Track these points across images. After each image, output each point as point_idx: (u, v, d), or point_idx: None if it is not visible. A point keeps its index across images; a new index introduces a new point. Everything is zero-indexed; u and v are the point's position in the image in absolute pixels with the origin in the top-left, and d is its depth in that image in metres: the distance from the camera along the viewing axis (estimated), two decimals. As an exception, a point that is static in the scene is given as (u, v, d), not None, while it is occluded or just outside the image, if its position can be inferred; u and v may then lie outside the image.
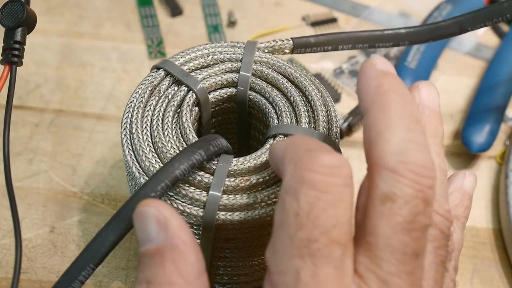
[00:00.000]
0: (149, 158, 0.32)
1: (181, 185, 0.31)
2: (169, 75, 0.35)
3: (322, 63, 0.49)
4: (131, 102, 0.34)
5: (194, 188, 0.31)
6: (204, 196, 0.31)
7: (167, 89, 0.35)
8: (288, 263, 0.24)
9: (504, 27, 0.52)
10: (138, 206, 0.27)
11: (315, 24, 0.52)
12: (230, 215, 0.31)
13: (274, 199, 0.32)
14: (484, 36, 0.52)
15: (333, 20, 0.52)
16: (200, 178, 0.31)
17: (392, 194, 0.25)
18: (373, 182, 0.26)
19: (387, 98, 0.27)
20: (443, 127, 0.30)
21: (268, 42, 0.37)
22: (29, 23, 0.33)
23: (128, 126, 0.34)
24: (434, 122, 0.30)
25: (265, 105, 0.35)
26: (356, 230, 0.26)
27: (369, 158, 0.26)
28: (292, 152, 0.26)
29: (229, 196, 0.31)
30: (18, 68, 0.33)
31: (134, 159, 0.33)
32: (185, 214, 0.31)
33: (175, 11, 0.51)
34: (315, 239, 0.24)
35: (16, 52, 0.32)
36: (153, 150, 0.33)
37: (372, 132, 0.26)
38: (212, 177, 0.31)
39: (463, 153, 0.45)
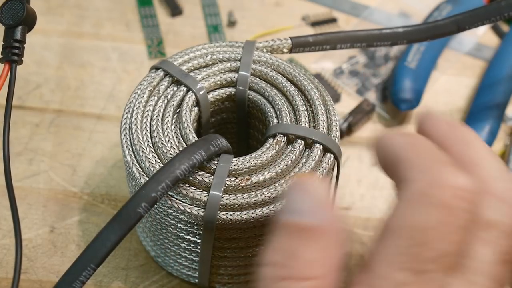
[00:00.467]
0: (149, 158, 0.32)
1: (182, 185, 0.31)
2: (168, 75, 0.35)
3: (322, 63, 0.49)
4: (130, 103, 0.34)
5: (194, 188, 0.31)
6: (204, 196, 0.31)
7: (166, 89, 0.35)
8: (392, 272, 0.23)
9: (504, 27, 0.52)
10: (302, 177, 0.25)
11: (315, 24, 0.52)
12: (230, 215, 0.31)
13: (275, 199, 0.32)
14: (484, 36, 0.52)
15: (333, 20, 0.52)
16: (200, 178, 0.31)
17: (494, 221, 0.24)
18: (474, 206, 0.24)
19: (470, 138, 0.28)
20: None
21: (266, 41, 0.37)
22: (29, 21, 0.33)
23: (127, 127, 0.34)
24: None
25: (264, 104, 0.35)
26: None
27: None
28: (418, 157, 0.25)
29: (230, 196, 0.31)
30: (18, 68, 0.33)
31: (134, 159, 0.33)
32: (185, 214, 0.31)
33: (175, 11, 0.51)
34: (427, 260, 0.23)
35: (16, 51, 0.32)
36: (153, 150, 0.33)
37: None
38: (212, 177, 0.31)
39: (463, 153, 0.45)
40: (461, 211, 0.23)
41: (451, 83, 0.49)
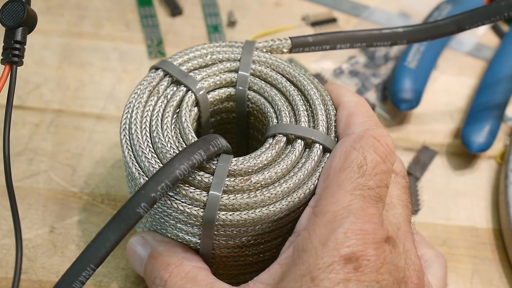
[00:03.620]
0: (148, 158, 0.32)
1: (181, 185, 0.31)
2: (168, 75, 0.35)
3: (322, 63, 0.49)
4: (130, 103, 0.34)
5: (194, 188, 0.31)
6: (204, 196, 0.31)
7: (166, 89, 0.35)
8: (342, 196, 0.30)
9: (504, 27, 0.52)
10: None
11: (315, 24, 0.52)
12: (230, 215, 0.31)
13: (274, 199, 0.32)
14: (484, 36, 0.52)
15: (333, 20, 0.52)
16: (200, 178, 0.31)
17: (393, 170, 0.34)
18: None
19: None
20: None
21: (266, 41, 0.37)
22: (30, 23, 0.33)
23: (127, 127, 0.34)
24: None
25: (264, 104, 0.35)
26: None
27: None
28: (362, 116, 0.33)
29: (229, 195, 0.31)
30: (18, 68, 0.33)
31: (134, 159, 0.33)
32: (185, 214, 0.31)
33: (175, 11, 0.51)
34: (370, 186, 0.30)
35: (17, 52, 0.32)
36: (153, 151, 0.33)
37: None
38: (212, 177, 0.31)
39: (463, 153, 0.45)
40: (390, 161, 0.32)
41: (451, 83, 0.49)
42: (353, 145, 0.32)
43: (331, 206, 0.30)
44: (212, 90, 0.36)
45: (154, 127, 0.33)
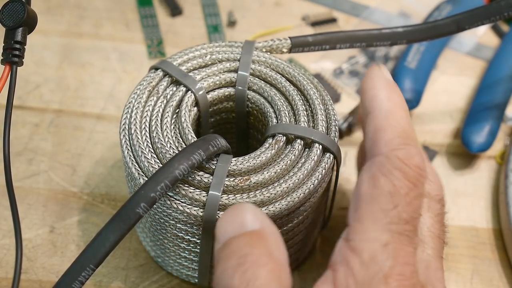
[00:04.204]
0: (148, 158, 0.32)
1: (181, 185, 0.31)
2: (168, 76, 0.35)
3: (322, 63, 0.49)
4: (129, 103, 0.34)
5: (193, 188, 0.31)
6: (204, 196, 0.31)
7: (165, 90, 0.35)
8: (378, 233, 0.28)
9: (504, 27, 0.52)
10: (235, 204, 0.30)
11: (315, 24, 0.52)
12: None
13: (274, 199, 0.32)
14: (484, 36, 0.52)
15: (333, 20, 0.52)
16: (199, 178, 0.31)
17: (427, 193, 0.32)
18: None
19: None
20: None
21: (266, 41, 0.37)
22: (30, 23, 0.33)
23: (127, 127, 0.34)
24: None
25: (263, 104, 0.35)
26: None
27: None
28: (390, 129, 0.30)
29: (229, 196, 0.31)
30: (18, 68, 0.33)
31: (133, 159, 0.33)
32: (185, 214, 0.31)
33: (175, 11, 0.51)
34: (406, 221, 0.28)
35: (17, 52, 0.32)
36: (152, 151, 0.33)
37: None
38: (211, 177, 0.31)
39: (463, 153, 0.45)
40: (421, 186, 0.29)
41: (451, 83, 0.49)
42: (380, 169, 0.29)
43: (367, 243, 0.28)
44: (211, 90, 0.36)
45: (153, 127, 0.33)
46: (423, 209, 0.31)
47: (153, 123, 0.34)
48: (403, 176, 0.29)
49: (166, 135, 0.33)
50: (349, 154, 0.44)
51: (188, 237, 0.33)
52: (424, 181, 0.30)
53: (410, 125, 0.31)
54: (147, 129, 0.34)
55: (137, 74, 0.48)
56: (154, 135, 0.33)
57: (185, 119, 0.34)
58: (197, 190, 0.31)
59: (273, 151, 0.33)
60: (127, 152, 0.33)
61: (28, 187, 0.42)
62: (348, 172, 0.43)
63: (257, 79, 0.36)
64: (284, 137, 0.33)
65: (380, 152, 0.30)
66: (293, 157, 0.33)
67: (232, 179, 0.32)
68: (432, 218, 0.31)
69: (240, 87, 0.36)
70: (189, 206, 0.31)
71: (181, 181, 0.31)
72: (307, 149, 0.33)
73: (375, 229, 0.28)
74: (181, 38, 0.50)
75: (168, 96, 0.35)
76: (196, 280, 0.37)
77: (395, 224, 0.28)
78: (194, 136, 0.33)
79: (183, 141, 0.33)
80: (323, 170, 0.33)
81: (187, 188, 0.31)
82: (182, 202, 0.31)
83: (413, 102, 0.45)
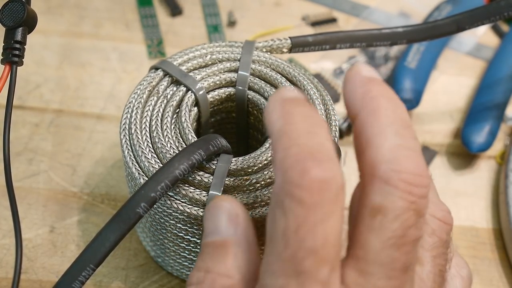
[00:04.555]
0: (148, 158, 0.32)
1: (181, 185, 0.31)
2: (168, 75, 0.35)
3: (322, 63, 0.49)
4: (129, 103, 0.34)
5: (194, 188, 0.31)
6: (204, 196, 0.31)
7: (165, 90, 0.35)
8: (273, 280, 0.24)
9: (504, 27, 0.52)
10: (213, 199, 0.27)
11: (315, 24, 0.52)
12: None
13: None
14: (484, 36, 0.52)
15: (333, 20, 0.52)
16: (200, 178, 0.31)
17: (383, 207, 0.24)
18: (364, 193, 0.25)
19: (376, 103, 0.26)
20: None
21: (266, 41, 0.37)
22: (30, 23, 0.33)
23: (127, 127, 0.34)
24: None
25: (264, 104, 0.35)
26: (348, 240, 0.26)
27: (360, 166, 0.26)
28: (282, 151, 0.24)
29: (229, 195, 0.31)
30: (18, 68, 0.33)
31: (134, 159, 0.33)
32: (185, 214, 0.31)
33: (175, 11, 0.51)
34: (301, 259, 0.23)
35: (17, 52, 0.32)
36: (153, 151, 0.33)
37: (362, 139, 0.26)
38: (211, 177, 0.31)
39: (463, 153, 0.45)
40: (324, 203, 0.23)
41: (451, 83, 0.49)
42: (272, 199, 0.25)
43: None
44: (212, 90, 0.36)
45: (154, 127, 0.33)
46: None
47: (153, 123, 0.34)
48: (297, 204, 0.23)
49: (166, 135, 0.33)
50: (349, 154, 0.44)
51: (188, 237, 0.33)
52: (339, 195, 0.24)
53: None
54: (147, 129, 0.34)
55: (137, 74, 0.48)
56: (154, 135, 0.33)
57: (185, 119, 0.34)
58: (198, 190, 0.31)
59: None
60: (127, 152, 0.33)
61: (28, 187, 0.42)
62: (348, 172, 0.43)
63: (257, 79, 0.36)
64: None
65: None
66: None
67: (232, 179, 0.32)
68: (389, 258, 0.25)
69: (240, 87, 0.36)
70: (189, 206, 0.31)
71: (182, 181, 0.31)
72: (307, 149, 0.33)
73: (270, 276, 0.24)
74: (181, 38, 0.50)
75: (168, 96, 0.35)
76: (196, 280, 0.36)
77: (289, 267, 0.23)
78: (194, 136, 0.33)
79: (183, 141, 0.33)
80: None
81: (187, 188, 0.31)
82: (182, 202, 0.31)
83: (413, 102, 0.45)
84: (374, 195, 0.24)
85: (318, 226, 0.23)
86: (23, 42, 0.33)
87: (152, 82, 0.35)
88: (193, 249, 0.34)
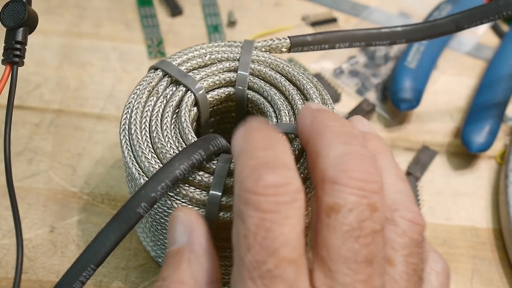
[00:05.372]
0: (148, 158, 0.32)
1: (181, 185, 0.31)
2: (167, 76, 0.35)
3: (322, 63, 0.49)
4: (129, 103, 0.34)
5: (194, 188, 0.31)
6: (204, 196, 0.31)
7: (165, 90, 0.35)
8: (241, 285, 0.24)
9: (504, 27, 0.52)
10: (173, 211, 0.28)
11: (315, 24, 0.52)
12: (230, 215, 0.31)
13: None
14: (484, 36, 0.52)
15: (333, 20, 0.52)
16: (200, 178, 0.31)
17: (336, 204, 0.25)
18: (317, 197, 0.26)
19: (322, 125, 0.27)
20: (386, 145, 0.30)
21: (265, 41, 0.37)
22: (31, 23, 0.33)
23: (127, 127, 0.34)
24: (378, 141, 0.30)
25: (263, 104, 0.35)
26: (312, 247, 0.26)
27: (312, 178, 0.27)
28: (240, 165, 0.25)
29: (230, 195, 0.31)
30: (18, 68, 0.33)
31: (134, 160, 0.33)
32: (185, 214, 0.32)
33: (175, 11, 0.51)
34: (263, 260, 0.24)
35: (18, 52, 0.32)
36: (153, 151, 0.33)
37: (312, 156, 0.27)
38: (212, 177, 0.31)
39: (463, 153, 0.45)
40: (280, 205, 0.24)
41: (451, 83, 0.49)
42: (234, 209, 0.27)
43: None
44: (211, 90, 0.36)
45: (153, 127, 0.33)
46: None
47: (153, 123, 0.34)
48: (253, 208, 0.24)
49: (166, 135, 0.33)
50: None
51: (188, 237, 0.33)
52: (296, 199, 0.25)
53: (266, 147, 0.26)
54: (147, 129, 0.34)
55: (137, 74, 0.48)
56: (154, 135, 0.33)
57: (185, 119, 0.34)
58: (198, 190, 0.31)
59: (273, 151, 0.33)
60: (127, 152, 0.33)
61: (28, 187, 0.42)
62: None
63: (256, 78, 0.36)
64: (284, 136, 0.33)
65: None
66: (293, 156, 0.33)
67: (232, 179, 0.32)
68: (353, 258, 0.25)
69: (239, 87, 0.36)
70: (190, 206, 0.31)
71: (182, 181, 0.31)
72: (307, 149, 0.33)
73: (239, 281, 0.25)
74: (181, 38, 0.50)
75: (168, 96, 0.35)
76: (196, 280, 0.36)
77: (254, 270, 0.24)
78: (194, 136, 0.33)
79: (183, 141, 0.33)
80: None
81: (187, 188, 0.31)
82: (182, 202, 0.31)
83: (413, 102, 0.45)
84: (326, 196, 0.25)
85: (276, 228, 0.24)
86: (23, 43, 0.33)
87: (151, 82, 0.35)
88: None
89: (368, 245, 0.25)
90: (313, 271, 0.25)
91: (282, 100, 0.35)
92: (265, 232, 0.24)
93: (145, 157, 0.32)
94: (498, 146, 0.46)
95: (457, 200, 0.43)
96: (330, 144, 0.26)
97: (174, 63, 0.36)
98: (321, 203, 0.26)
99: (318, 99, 0.34)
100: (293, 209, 0.24)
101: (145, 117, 0.34)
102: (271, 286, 0.24)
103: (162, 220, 0.33)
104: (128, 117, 0.34)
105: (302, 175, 0.32)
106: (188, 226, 0.27)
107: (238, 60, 0.36)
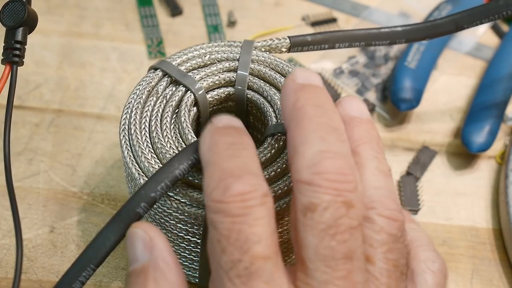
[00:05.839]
0: (148, 158, 0.32)
1: (181, 185, 0.31)
2: (167, 76, 0.35)
3: (322, 63, 0.49)
4: (129, 103, 0.34)
5: (194, 188, 0.31)
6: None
7: (165, 90, 0.35)
8: (219, 285, 0.25)
9: (504, 27, 0.52)
10: (129, 228, 0.28)
11: (315, 24, 0.52)
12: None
13: (274, 198, 0.32)
14: (484, 36, 0.52)
15: (333, 20, 0.52)
16: (200, 178, 0.31)
17: (311, 204, 0.25)
18: (294, 198, 0.26)
19: (302, 113, 0.27)
20: (377, 131, 0.30)
21: (265, 41, 0.37)
22: (30, 23, 0.33)
23: (126, 127, 0.34)
24: (364, 128, 0.30)
25: (263, 104, 0.35)
26: (293, 247, 0.27)
27: (291, 173, 0.27)
28: (208, 178, 0.26)
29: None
30: (18, 68, 0.33)
31: (133, 160, 0.33)
32: (185, 214, 0.31)
33: (175, 11, 0.51)
34: (238, 259, 0.24)
35: (17, 52, 0.32)
36: (152, 151, 0.33)
37: (290, 149, 0.27)
38: (211, 177, 0.31)
39: (463, 153, 0.45)
40: (248, 209, 0.25)
41: (451, 83, 0.49)
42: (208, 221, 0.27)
43: None
44: (211, 90, 0.36)
45: (153, 127, 0.33)
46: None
47: (152, 123, 0.34)
48: (223, 215, 0.25)
49: (166, 135, 0.33)
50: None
51: (188, 237, 0.33)
52: (265, 202, 0.25)
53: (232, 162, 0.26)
54: (147, 129, 0.34)
55: (137, 74, 0.48)
56: (154, 135, 0.33)
57: (184, 119, 0.34)
58: (198, 190, 0.31)
59: (272, 150, 0.33)
60: (127, 152, 0.33)
61: (28, 187, 0.42)
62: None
63: (256, 78, 0.36)
64: (284, 136, 0.33)
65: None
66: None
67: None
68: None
69: (239, 87, 0.36)
70: (190, 206, 0.31)
71: (181, 181, 0.31)
72: (307, 149, 0.33)
73: (218, 284, 0.25)
74: (181, 38, 0.50)
75: (168, 96, 0.35)
76: (197, 280, 0.37)
77: (231, 270, 0.25)
78: (194, 136, 0.33)
79: (183, 141, 0.33)
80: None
81: (187, 188, 0.31)
82: (182, 202, 0.31)
83: (413, 102, 0.45)
84: (301, 197, 0.26)
85: (246, 229, 0.25)
86: (23, 42, 0.33)
87: (151, 82, 0.35)
88: (193, 249, 0.34)
89: (345, 241, 0.25)
90: (295, 272, 0.26)
91: (282, 100, 0.35)
92: (237, 234, 0.25)
93: (145, 157, 0.32)
94: (498, 146, 0.46)
95: (457, 200, 0.43)
96: (307, 139, 0.26)
97: (174, 63, 0.36)
98: (297, 203, 0.26)
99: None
100: (262, 210, 0.25)
101: (145, 117, 0.34)
102: (249, 284, 0.24)
103: (162, 220, 0.33)
104: (128, 117, 0.34)
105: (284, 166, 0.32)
106: (148, 242, 0.27)
107: (238, 60, 0.36)
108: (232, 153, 0.26)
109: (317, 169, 0.26)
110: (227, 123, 0.28)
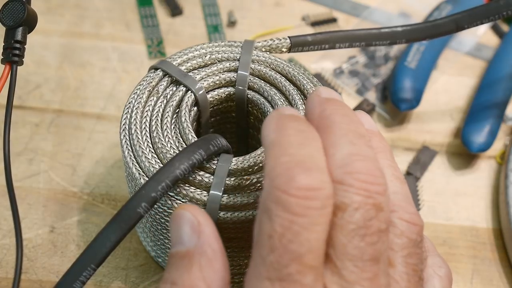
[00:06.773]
0: (148, 158, 0.32)
1: (182, 185, 0.31)
2: (167, 75, 0.35)
3: (322, 63, 0.49)
4: (129, 103, 0.34)
5: (194, 188, 0.31)
6: (204, 196, 0.31)
7: (165, 90, 0.35)
8: (258, 283, 0.24)
9: (504, 27, 0.52)
10: (176, 208, 0.27)
11: (315, 24, 0.52)
12: (231, 215, 0.31)
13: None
14: (484, 36, 0.52)
15: (333, 20, 0.52)
16: (200, 178, 0.31)
17: (342, 204, 0.25)
18: None
19: (330, 121, 0.27)
20: (387, 142, 0.30)
21: (265, 41, 0.37)
22: (30, 22, 0.33)
23: (127, 127, 0.34)
24: (378, 139, 0.30)
25: (263, 104, 0.35)
26: None
27: None
28: (272, 160, 0.25)
29: (230, 195, 0.31)
30: (18, 68, 0.33)
31: (134, 160, 0.33)
32: (185, 214, 0.31)
33: (175, 11, 0.51)
34: (286, 264, 0.24)
35: (17, 52, 0.32)
36: (153, 151, 0.33)
37: None
38: (212, 177, 0.31)
39: (463, 153, 0.45)
40: (310, 210, 0.24)
41: (451, 83, 0.49)
42: (261, 208, 0.26)
43: None
44: (211, 90, 0.36)
45: (154, 127, 0.33)
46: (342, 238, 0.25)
47: (153, 123, 0.34)
48: (283, 209, 0.24)
49: (167, 135, 0.33)
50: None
51: (188, 237, 0.33)
52: (325, 205, 0.24)
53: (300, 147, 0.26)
54: (147, 129, 0.34)
55: (137, 74, 0.48)
56: (155, 135, 0.33)
57: (185, 119, 0.34)
58: (198, 190, 0.31)
59: (273, 151, 0.33)
60: (128, 152, 0.33)
61: (28, 187, 0.42)
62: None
63: (257, 78, 0.36)
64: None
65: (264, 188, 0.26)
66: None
67: (233, 179, 0.32)
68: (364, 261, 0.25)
69: (240, 87, 0.36)
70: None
71: (182, 181, 0.31)
72: (307, 149, 0.33)
73: (255, 279, 0.25)
74: (181, 38, 0.50)
75: (168, 96, 0.35)
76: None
77: (274, 271, 0.24)
78: (195, 136, 0.33)
79: (183, 141, 0.33)
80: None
81: (188, 188, 0.31)
82: (183, 202, 0.31)
83: (413, 102, 0.45)
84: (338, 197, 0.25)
85: (303, 233, 0.24)
86: (23, 42, 0.33)
87: (151, 82, 0.35)
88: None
89: (374, 243, 0.25)
90: (324, 270, 0.25)
91: (282, 100, 0.35)
92: (292, 236, 0.24)
93: (145, 157, 0.32)
94: (498, 146, 0.46)
95: (457, 200, 0.43)
96: (337, 143, 0.26)
97: (174, 63, 0.36)
98: None
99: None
100: (322, 216, 0.24)
101: (145, 117, 0.34)
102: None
103: (163, 220, 0.33)
104: (128, 117, 0.34)
105: None
106: (197, 227, 0.27)
107: (238, 60, 0.36)
108: (301, 140, 0.25)
109: (349, 169, 0.25)
110: (293, 112, 0.27)
